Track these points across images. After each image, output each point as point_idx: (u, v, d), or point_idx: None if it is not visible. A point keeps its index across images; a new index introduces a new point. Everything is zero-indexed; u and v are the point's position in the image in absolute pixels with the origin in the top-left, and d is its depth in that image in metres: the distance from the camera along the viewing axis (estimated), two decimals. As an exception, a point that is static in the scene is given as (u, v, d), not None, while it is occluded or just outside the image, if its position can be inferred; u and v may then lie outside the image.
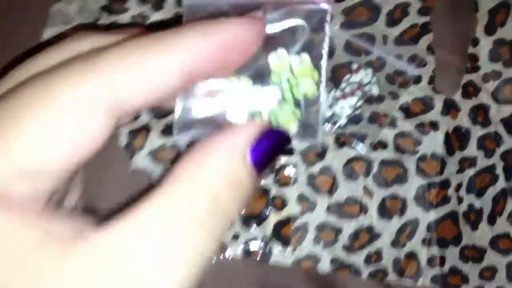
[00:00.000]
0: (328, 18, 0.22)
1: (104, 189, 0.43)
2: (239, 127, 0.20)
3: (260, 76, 0.22)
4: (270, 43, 0.22)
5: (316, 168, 0.43)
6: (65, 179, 0.18)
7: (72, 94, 0.17)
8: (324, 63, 0.22)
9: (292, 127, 0.22)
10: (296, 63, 0.22)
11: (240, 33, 0.19)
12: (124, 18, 0.46)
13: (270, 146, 0.20)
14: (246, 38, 0.19)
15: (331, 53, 0.45)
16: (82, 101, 0.17)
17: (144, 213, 0.17)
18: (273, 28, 0.22)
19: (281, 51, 0.22)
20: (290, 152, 0.43)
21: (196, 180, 0.18)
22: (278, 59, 0.22)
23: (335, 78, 0.44)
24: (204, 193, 0.18)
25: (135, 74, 0.18)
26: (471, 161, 0.43)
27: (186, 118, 0.22)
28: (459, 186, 0.43)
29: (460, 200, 0.43)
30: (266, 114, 0.22)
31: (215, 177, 0.18)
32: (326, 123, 0.43)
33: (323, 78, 0.22)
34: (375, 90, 0.44)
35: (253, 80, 0.22)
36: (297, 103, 0.22)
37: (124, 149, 0.44)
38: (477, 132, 0.43)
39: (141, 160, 0.43)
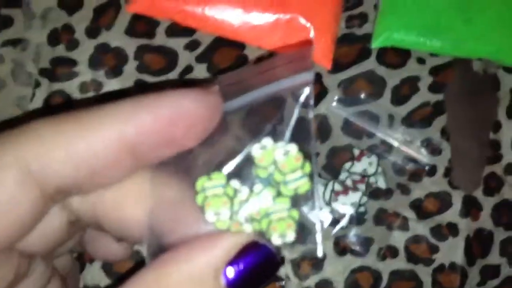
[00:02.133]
0: (311, 90, 0.18)
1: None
2: (217, 238, 0.18)
3: (242, 169, 0.19)
4: (253, 129, 0.19)
5: (312, 281, 0.35)
6: None
7: None
8: (314, 149, 0.19)
9: (289, 233, 0.18)
10: (280, 155, 0.18)
11: (187, 105, 0.18)
12: (72, 85, 0.37)
13: (253, 267, 0.17)
14: (194, 111, 0.18)
15: (326, 135, 0.37)
16: (2, 166, 0.17)
17: None
18: (253, 109, 0.19)
19: (266, 141, 0.18)
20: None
21: None
22: (263, 151, 0.18)
23: (332, 166, 0.37)
24: None
25: (59, 146, 0.17)
26: (494, 271, 0.37)
27: (157, 237, 0.19)
28: (480, 301, 0.36)
29: (482, 318, 0.36)
30: (256, 216, 0.18)
31: None
32: (323, 224, 0.36)
33: (315, 169, 0.19)
34: (381, 183, 0.37)
35: (232, 175, 0.18)
36: (293, 202, 0.18)
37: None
38: (499, 235, 0.37)
39: (93, 275, 0.34)
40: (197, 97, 0.18)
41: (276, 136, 0.18)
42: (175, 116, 0.18)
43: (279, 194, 0.18)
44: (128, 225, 0.20)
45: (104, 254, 0.25)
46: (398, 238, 0.36)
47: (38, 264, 0.21)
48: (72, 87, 0.37)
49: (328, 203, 0.36)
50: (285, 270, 0.35)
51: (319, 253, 0.18)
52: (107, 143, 0.17)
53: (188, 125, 0.18)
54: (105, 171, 0.18)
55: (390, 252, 0.36)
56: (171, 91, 0.18)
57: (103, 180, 0.18)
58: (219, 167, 0.19)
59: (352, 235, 0.36)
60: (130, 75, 0.38)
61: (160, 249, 0.18)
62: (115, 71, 0.37)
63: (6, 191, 0.17)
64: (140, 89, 0.38)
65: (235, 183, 0.18)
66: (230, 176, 0.18)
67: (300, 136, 0.18)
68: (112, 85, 0.37)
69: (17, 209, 0.17)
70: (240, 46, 0.39)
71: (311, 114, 0.18)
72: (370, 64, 0.39)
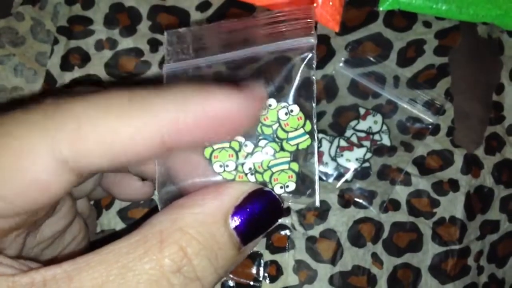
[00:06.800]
0: (314, 54, 0.21)
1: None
2: (225, 186, 0.19)
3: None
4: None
5: (317, 231, 0.39)
6: (19, 222, 0.19)
7: (29, 144, 0.17)
8: (314, 110, 0.21)
9: (290, 184, 0.21)
10: (283, 115, 0.21)
11: (231, 108, 0.18)
12: (88, 43, 0.40)
13: (259, 212, 0.19)
14: (238, 115, 0.18)
15: (333, 95, 0.40)
16: (35, 152, 0.17)
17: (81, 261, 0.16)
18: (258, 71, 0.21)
19: (271, 101, 0.21)
20: (285, 211, 0.38)
21: (165, 231, 0.17)
22: (268, 110, 0.21)
23: (338, 124, 0.40)
24: (171, 244, 0.17)
25: (97, 135, 0.17)
26: (493, 226, 0.40)
27: (168, 185, 0.21)
28: (479, 255, 0.39)
29: (480, 270, 0.39)
30: (259, 169, 0.21)
31: (187, 233, 0.17)
32: (329, 178, 0.39)
33: (314, 127, 0.21)
34: (386, 140, 0.40)
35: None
36: (294, 156, 0.21)
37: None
38: (500, 192, 0.40)
39: (110, 220, 0.37)
40: (242, 100, 0.18)
41: (279, 96, 0.21)
42: (217, 117, 0.18)
43: (281, 149, 0.21)
44: (149, 171, 0.23)
45: (128, 194, 0.27)
46: (401, 192, 0.39)
47: (65, 203, 0.24)
48: (88, 45, 0.40)
49: (334, 158, 0.39)
50: (291, 220, 0.38)
51: (317, 203, 0.21)
52: (147, 137, 0.17)
53: (227, 130, 0.18)
54: (137, 159, 0.18)
55: (392, 205, 0.39)
56: (217, 89, 0.18)
57: (133, 164, 0.21)
58: None
59: (356, 188, 0.39)
60: (143, 34, 0.41)
61: (173, 197, 0.21)
62: (129, 30, 0.41)
63: (37, 177, 0.17)
64: (153, 47, 0.41)
65: (240, 138, 0.21)
66: None
67: (302, 97, 0.21)
68: (126, 43, 0.41)
69: (48, 191, 0.18)
70: (250, 8, 0.42)
71: (313, 76, 0.21)
72: (378, 27, 0.42)
